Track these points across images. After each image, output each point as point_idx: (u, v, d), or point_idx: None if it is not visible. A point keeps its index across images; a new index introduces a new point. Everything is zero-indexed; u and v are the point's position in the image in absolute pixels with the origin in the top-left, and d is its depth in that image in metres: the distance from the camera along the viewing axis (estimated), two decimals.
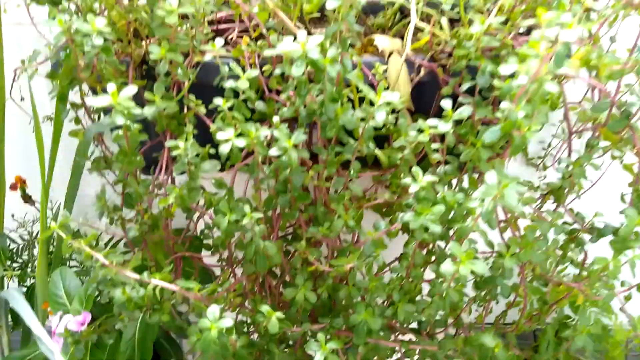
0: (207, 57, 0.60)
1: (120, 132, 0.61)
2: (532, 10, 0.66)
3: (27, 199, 1.06)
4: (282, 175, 0.61)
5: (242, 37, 0.78)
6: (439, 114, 0.75)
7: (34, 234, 1.17)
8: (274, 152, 0.57)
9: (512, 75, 0.51)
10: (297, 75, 0.52)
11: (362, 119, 0.58)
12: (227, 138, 0.55)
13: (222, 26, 0.79)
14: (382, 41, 0.73)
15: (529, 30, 0.74)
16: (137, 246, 0.75)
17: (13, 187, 1.02)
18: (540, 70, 0.44)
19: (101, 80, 0.68)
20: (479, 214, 0.56)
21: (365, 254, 0.64)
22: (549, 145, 0.98)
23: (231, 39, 0.78)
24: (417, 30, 0.72)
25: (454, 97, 0.71)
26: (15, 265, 1.15)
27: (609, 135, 0.64)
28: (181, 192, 0.62)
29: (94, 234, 0.62)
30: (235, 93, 0.64)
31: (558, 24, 0.41)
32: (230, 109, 0.60)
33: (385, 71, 0.70)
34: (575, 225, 0.74)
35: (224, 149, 0.55)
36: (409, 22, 0.70)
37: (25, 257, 1.15)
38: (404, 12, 0.84)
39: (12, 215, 1.12)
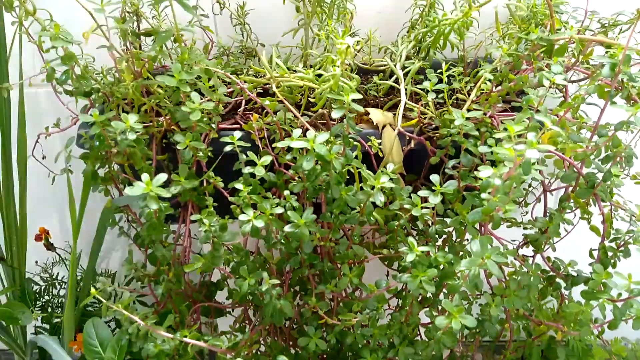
0: (227, 148, 0.69)
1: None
2: (508, 89, 0.75)
3: (49, 247, 1.14)
4: (294, 243, 0.70)
5: (249, 108, 0.87)
6: (429, 175, 0.85)
7: (55, 276, 1.25)
8: (288, 228, 0.66)
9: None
10: (307, 168, 0.61)
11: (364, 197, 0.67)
12: (248, 219, 0.64)
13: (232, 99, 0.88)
14: (376, 115, 0.82)
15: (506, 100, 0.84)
16: (162, 299, 0.83)
17: (38, 238, 1.10)
18: (511, 173, 0.53)
19: (129, 159, 0.76)
20: (467, 275, 0.66)
21: (369, 308, 0.73)
22: (530, 185, 1.08)
23: (240, 111, 0.86)
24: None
25: (442, 161, 0.81)
26: (38, 303, 1.23)
27: (577, 200, 0.73)
28: (206, 260, 0.70)
29: (130, 299, 0.70)
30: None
31: (523, 143, 0.51)
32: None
33: (379, 143, 0.79)
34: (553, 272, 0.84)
35: (246, 228, 0.64)
36: (399, 101, 0.80)
37: (47, 297, 1.23)
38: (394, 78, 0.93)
39: (36, 262, 1.20)
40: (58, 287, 1.24)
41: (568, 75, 0.89)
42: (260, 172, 0.67)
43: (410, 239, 0.67)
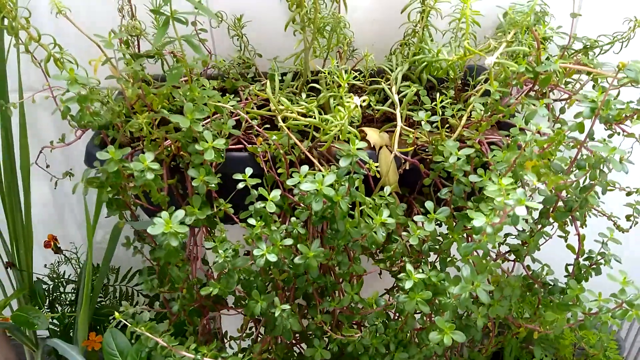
0: (240, 185, 0.74)
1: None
2: (498, 119, 0.81)
3: (57, 251, 1.18)
4: (302, 268, 0.76)
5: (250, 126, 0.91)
6: (422, 189, 0.91)
7: (62, 274, 1.30)
8: (298, 260, 0.72)
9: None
10: (317, 209, 0.67)
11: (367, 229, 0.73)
12: (262, 254, 0.70)
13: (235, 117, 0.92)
14: (373, 136, 0.87)
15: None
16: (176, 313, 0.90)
17: (47, 244, 1.15)
18: (502, 221, 0.60)
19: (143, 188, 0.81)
20: (457, 295, 0.74)
21: (369, 323, 0.81)
22: None
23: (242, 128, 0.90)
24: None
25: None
26: (46, 301, 1.28)
27: (556, 220, 0.81)
28: (222, 286, 0.77)
29: (151, 323, 0.77)
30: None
31: (513, 199, 0.57)
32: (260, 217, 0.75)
33: (377, 166, 0.85)
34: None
35: (260, 262, 0.70)
36: (395, 125, 0.85)
37: (55, 294, 1.29)
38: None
39: (45, 265, 1.25)
40: (65, 284, 1.30)
41: (551, 95, 0.96)
42: (271, 208, 0.72)
43: (408, 266, 0.74)
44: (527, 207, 0.58)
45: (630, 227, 0.92)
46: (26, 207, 1.18)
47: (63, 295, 1.30)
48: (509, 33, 0.70)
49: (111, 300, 1.32)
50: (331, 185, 0.68)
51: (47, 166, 1.11)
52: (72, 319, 1.22)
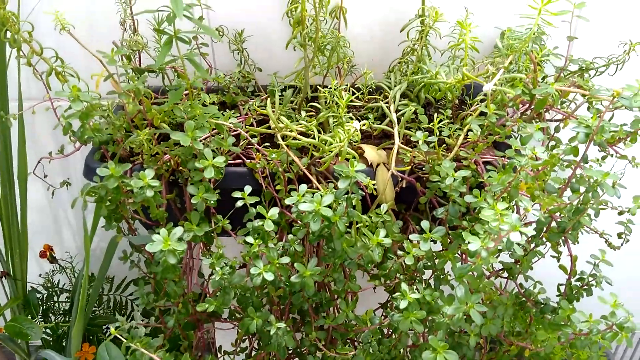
0: (239, 203, 0.75)
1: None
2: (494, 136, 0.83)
3: (53, 260, 1.18)
4: (298, 286, 0.77)
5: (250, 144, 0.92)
6: (418, 206, 0.92)
7: (56, 283, 1.30)
8: (294, 279, 0.73)
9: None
10: (315, 229, 0.68)
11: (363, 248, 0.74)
12: (259, 272, 0.71)
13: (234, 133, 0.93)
14: (371, 154, 0.88)
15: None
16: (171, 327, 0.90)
17: (43, 254, 1.15)
18: (496, 244, 0.61)
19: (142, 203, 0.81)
20: (451, 315, 0.75)
21: (363, 341, 0.81)
22: None
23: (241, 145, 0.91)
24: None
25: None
26: (39, 310, 1.28)
27: (549, 240, 0.82)
28: (218, 302, 0.77)
29: (147, 338, 0.77)
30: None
31: (508, 224, 0.58)
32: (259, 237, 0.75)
33: (374, 183, 0.86)
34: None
35: (257, 280, 0.71)
36: (393, 143, 0.86)
37: (48, 303, 1.28)
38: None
39: (40, 275, 1.25)
40: (59, 293, 1.30)
41: (546, 114, 0.97)
42: (270, 226, 0.73)
43: (403, 285, 0.75)
44: (520, 232, 0.59)
45: (622, 245, 0.93)
46: (22, 216, 1.18)
47: (57, 305, 1.29)
48: (507, 57, 0.72)
49: (105, 310, 1.31)
50: (329, 206, 0.69)
51: (45, 176, 1.11)
52: (65, 328, 1.21)
